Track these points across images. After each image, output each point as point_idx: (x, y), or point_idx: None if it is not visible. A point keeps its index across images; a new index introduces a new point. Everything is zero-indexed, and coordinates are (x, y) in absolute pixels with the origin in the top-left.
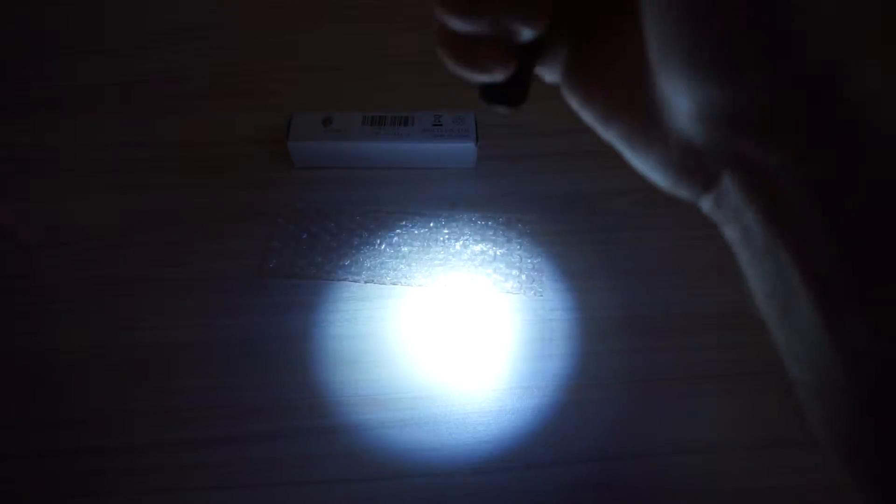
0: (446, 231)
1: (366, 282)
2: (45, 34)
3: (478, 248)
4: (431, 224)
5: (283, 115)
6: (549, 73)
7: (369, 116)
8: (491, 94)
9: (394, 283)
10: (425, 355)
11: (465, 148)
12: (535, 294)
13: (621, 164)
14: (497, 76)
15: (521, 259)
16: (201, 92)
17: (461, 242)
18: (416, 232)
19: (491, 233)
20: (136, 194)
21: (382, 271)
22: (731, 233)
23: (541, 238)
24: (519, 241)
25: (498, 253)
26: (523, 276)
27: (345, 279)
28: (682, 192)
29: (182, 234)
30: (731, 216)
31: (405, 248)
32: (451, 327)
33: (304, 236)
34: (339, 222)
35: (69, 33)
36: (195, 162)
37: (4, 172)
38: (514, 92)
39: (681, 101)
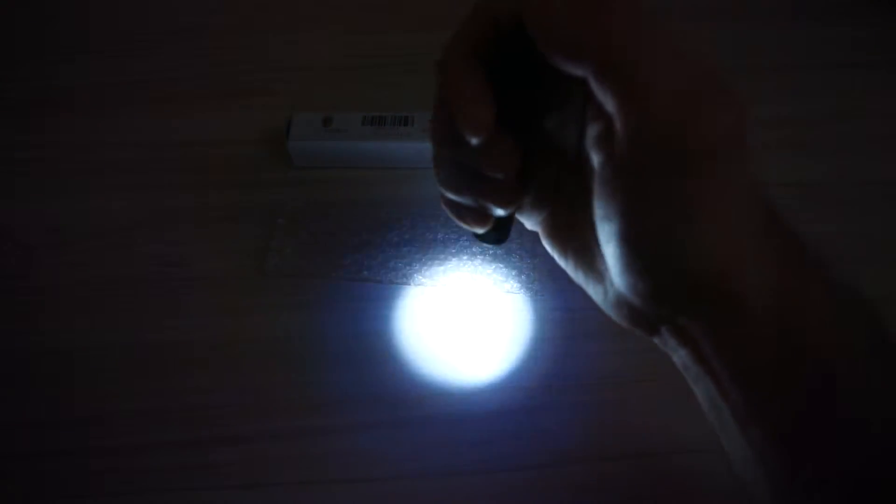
0: (446, 231)
1: (366, 281)
2: (45, 34)
3: (478, 248)
4: (431, 224)
5: (283, 115)
6: (529, 223)
7: (369, 116)
8: (478, 237)
9: (393, 283)
10: (425, 355)
11: None
12: (534, 294)
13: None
14: (479, 229)
15: (521, 259)
16: (201, 92)
17: (461, 242)
18: (415, 232)
19: None
20: (136, 194)
21: (382, 271)
22: (676, 361)
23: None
24: (519, 241)
25: (498, 253)
26: (523, 276)
27: (345, 279)
28: (636, 331)
29: (182, 234)
30: (672, 352)
31: (405, 248)
32: (451, 327)
33: (304, 236)
34: (339, 222)
35: (69, 33)
36: (195, 162)
37: (4, 172)
38: (496, 237)
39: (617, 278)
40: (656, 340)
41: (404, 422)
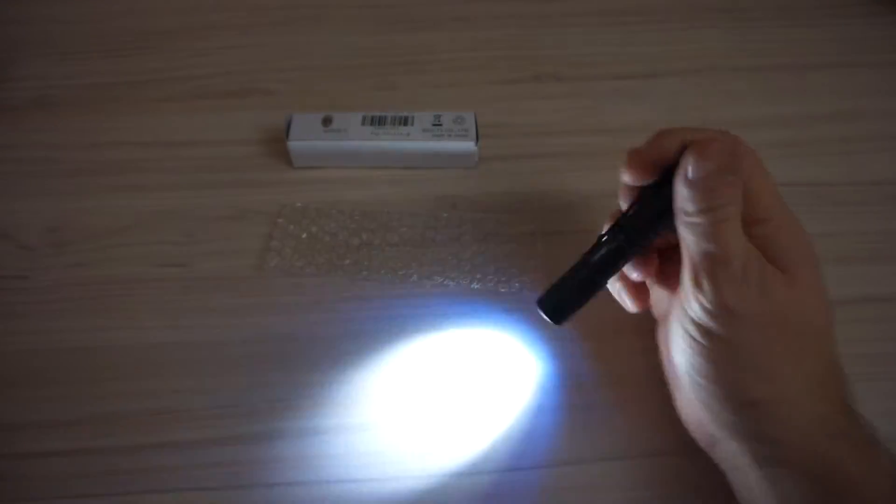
0: (446, 231)
1: (366, 281)
2: (44, 34)
3: (478, 247)
4: (431, 224)
5: (283, 115)
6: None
7: (369, 116)
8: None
9: (394, 283)
10: (425, 355)
11: (465, 148)
12: (535, 294)
13: (621, 165)
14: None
15: (521, 259)
16: (201, 92)
17: (461, 242)
18: (416, 232)
19: (490, 233)
20: (135, 194)
21: (382, 271)
22: (726, 466)
23: (541, 238)
24: (519, 241)
25: (498, 253)
26: (523, 276)
27: (345, 279)
28: (698, 439)
29: (182, 234)
30: (729, 463)
31: (405, 248)
32: (451, 327)
33: (304, 236)
34: (339, 222)
35: (69, 33)
36: (195, 162)
37: (4, 172)
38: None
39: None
40: (714, 454)
41: (403, 422)
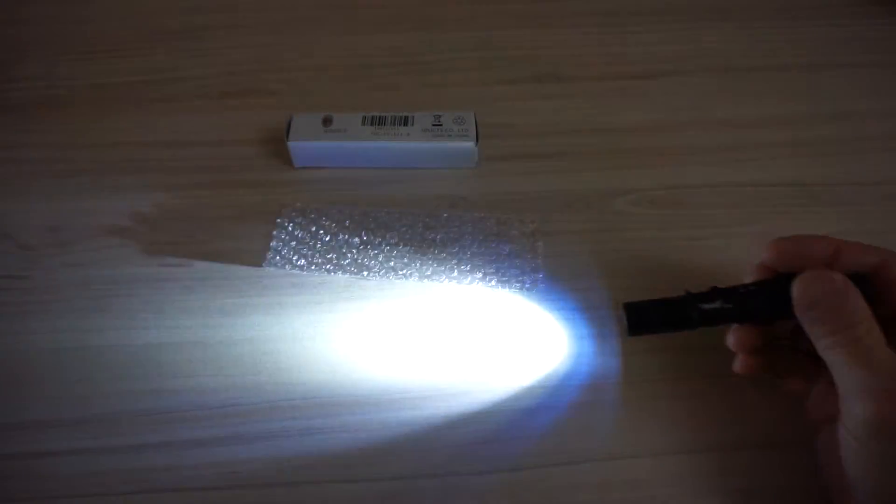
0: (446, 231)
1: (366, 281)
2: (45, 34)
3: (478, 248)
4: (431, 224)
5: (283, 115)
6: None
7: (369, 116)
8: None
9: (394, 283)
10: (426, 355)
11: (465, 148)
12: (536, 294)
13: (621, 165)
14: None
15: (521, 259)
16: (201, 92)
17: (461, 242)
18: (416, 232)
19: (491, 233)
20: (136, 194)
21: (382, 271)
22: None
23: (541, 238)
24: (520, 241)
25: (498, 253)
26: (523, 276)
27: (345, 279)
28: None
29: (182, 234)
30: None
31: (405, 248)
32: (451, 327)
33: (304, 236)
34: (339, 222)
35: (69, 33)
36: (195, 162)
37: (4, 172)
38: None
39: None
40: None
41: (404, 421)
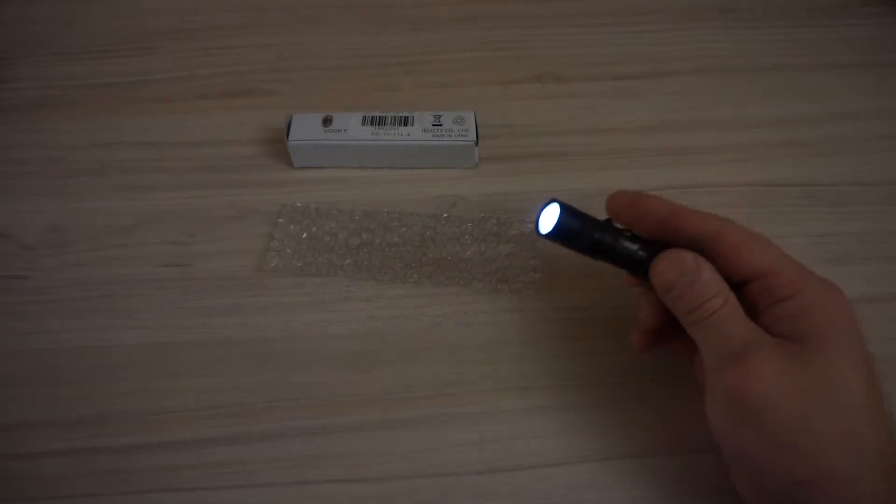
0: (446, 231)
1: (366, 281)
2: (44, 34)
3: (478, 248)
4: (431, 224)
5: (283, 115)
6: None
7: (369, 116)
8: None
9: (394, 283)
10: (426, 355)
11: (465, 148)
12: (536, 293)
13: (620, 165)
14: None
15: (521, 259)
16: (201, 92)
17: (461, 242)
18: (415, 232)
19: (491, 233)
20: (136, 194)
21: (382, 271)
22: None
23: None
24: (520, 241)
25: (498, 253)
26: (524, 276)
27: (345, 279)
28: None
29: (182, 234)
30: None
31: (405, 248)
32: (452, 327)
33: (304, 236)
34: (339, 222)
35: (69, 33)
36: (195, 162)
37: (4, 172)
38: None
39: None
40: None
41: (404, 422)
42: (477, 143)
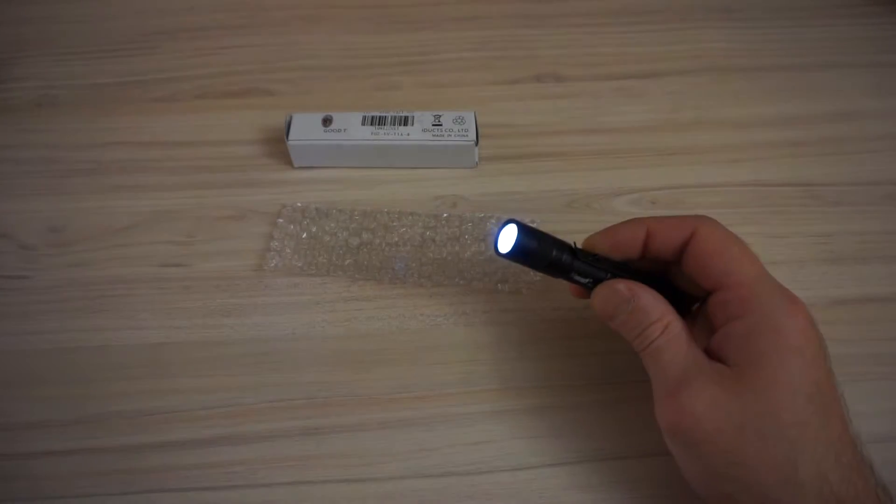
0: (446, 231)
1: (366, 281)
2: (44, 34)
3: (478, 248)
4: (431, 224)
5: (283, 115)
6: None
7: (369, 116)
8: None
9: (393, 283)
10: (426, 355)
11: (465, 148)
12: (536, 293)
13: (620, 165)
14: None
15: None
16: (201, 92)
17: (461, 242)
18: (415, 232)
19: (491, 233)
20: (135, 194)
21: (382, 271)
22: None
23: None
24: None
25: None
26: (523, 276)
27: (345, 279)
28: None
29: (182, 234)
30: None
31: (405, 248)
32: (451, 327)
33: (304, 236)
34: (339, 222)
35: (69, 33)
36: (195, 162)
37: (4, 172)
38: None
39: None
40: None
41: (404, 422)
42: (477, 143)
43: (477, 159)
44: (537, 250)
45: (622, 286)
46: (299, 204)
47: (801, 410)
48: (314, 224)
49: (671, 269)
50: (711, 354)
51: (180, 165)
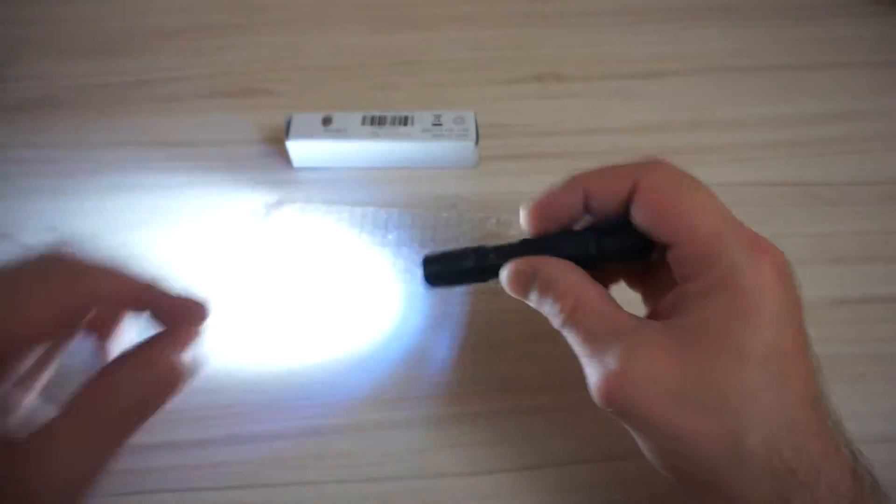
0: (446, 231)
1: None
2: (44, 34)
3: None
4: (431, 224)
5: (283, 115)
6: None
7: (369, 116)
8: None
9: (393, 284)
10: (426, 355)
11: (465, 148)
12: None
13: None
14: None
15: None
16: (201, 92)
17: (461, 242)
18: (415, 232)
19: (491, 233)
20: (136, 194)
21: (381, 271)
22: None
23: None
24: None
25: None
26: None
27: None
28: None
29: (182, 234)
30: None
31: (405, 248)
32: (452, 326)
33: (304, 236)
34: (338, 222)
35: (69, 33)
36: (195, 162)
37: (4, 172)
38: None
39: None
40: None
41: (404, 422)
42: (477, 143)
43: (477, 159)
44: (442, 272)
45: (522, 265)
46: (299, 204)
47: (749, 378)
48: (314, 224)
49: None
50: (661, 315)
51: (180, 165)
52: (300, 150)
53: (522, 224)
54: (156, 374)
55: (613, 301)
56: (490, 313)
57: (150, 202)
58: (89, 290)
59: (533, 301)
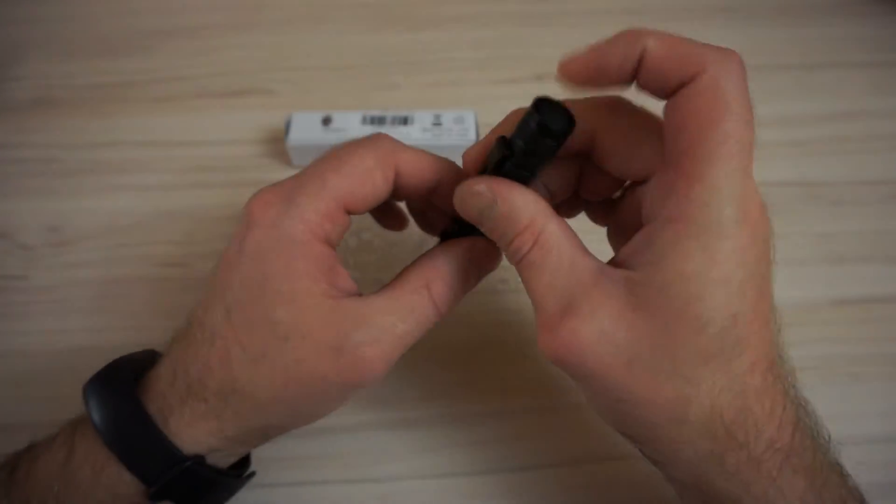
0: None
1: (366, 281)
2: (44, 34)
3: None
4: None
5: (283, 115)
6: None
7: (369, 116)
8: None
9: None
10: (426, 355)
11: (465, 148)
12: None
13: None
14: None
15: None
16: (201, 92)
17: None
18: (415, 232)
19: None
20: (135, 194)
21: (382, 271)
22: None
23: None
24: None
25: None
26: None
27: None
28: None
29: (182, 234)
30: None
31: (405, 248)
32: (451, 327)
33: None
34: None
35: (69, 33)
36: (195, 162)
37: (4, 172)
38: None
39: None
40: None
41: (404, 422)
42: None
43: None
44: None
45: (482, 186)
46: None
47: (706, 348)
48: None
49: (600, 143)
50: (626, 261)
51: (180, 165)
52: (300, 149)
53: (561, 77)
54: (480, 248)
55: (576, 239)
56: (489, 313)
57: (150, 202)
58: (406, 157)
59: (485, 228)
